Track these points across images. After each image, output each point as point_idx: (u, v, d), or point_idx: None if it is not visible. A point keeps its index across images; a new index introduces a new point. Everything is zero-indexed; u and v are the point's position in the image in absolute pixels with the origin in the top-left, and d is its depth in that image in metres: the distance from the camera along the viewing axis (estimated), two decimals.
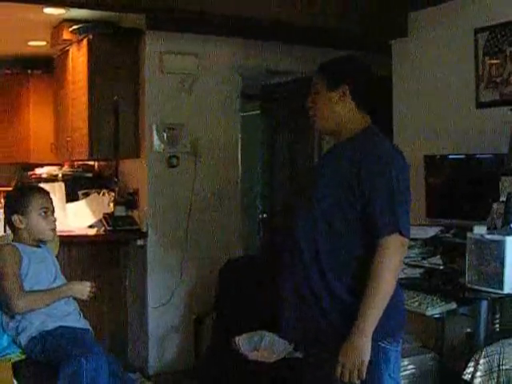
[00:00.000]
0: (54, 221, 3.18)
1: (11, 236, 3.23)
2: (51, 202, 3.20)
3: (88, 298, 3.13)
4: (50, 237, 3.18)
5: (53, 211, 3.19)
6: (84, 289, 3.11)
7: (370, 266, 2.21)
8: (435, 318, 3.37)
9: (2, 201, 5.66)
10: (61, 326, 3.02)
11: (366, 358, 2.19)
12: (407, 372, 3.51)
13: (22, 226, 3.10)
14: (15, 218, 3.09)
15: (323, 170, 2.41)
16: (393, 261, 2.22)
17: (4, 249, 3.06)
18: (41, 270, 3.10)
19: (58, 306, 3.07)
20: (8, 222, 3.16)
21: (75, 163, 5.80)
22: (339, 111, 2.40)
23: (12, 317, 3.02)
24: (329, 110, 2.41)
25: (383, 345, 2.27)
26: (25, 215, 3.08)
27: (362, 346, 2.19)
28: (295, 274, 2.36)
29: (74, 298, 3.17)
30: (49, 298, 3.02)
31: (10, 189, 5.67)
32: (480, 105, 3.98)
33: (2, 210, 5.02)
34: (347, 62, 2.52)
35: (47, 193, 3.24)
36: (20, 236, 3.14)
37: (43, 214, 3.11)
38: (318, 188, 2.36)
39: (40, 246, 3.19)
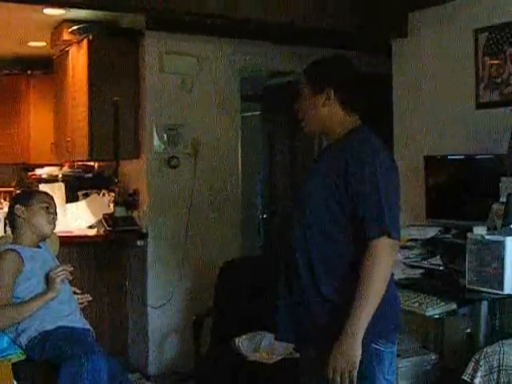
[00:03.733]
0: (55, 219, 3.24)
1: (10, 237, 3.24)
2: (54, 205, 3.28)
3: (64, 281, 3.11)
4: (48, 231, 3.22)
5: (55, 212, 3.25)
6: (58, 286, 3.06)
7: (359, 269, 2.21)
8: (435, 319, 3.36)
9: (2, 201, 5.69)
10: (60, 326, 3.02)
11: (357, 361, 2.18)
12: (407, 372, 3.50)
13: (23, 216, 3.15)
14: (18, 207, 3.16)
15: (314, 175, 2.41)
16: (382, 263, 2.21)
17: (6, 257, 3.07)
18: (43, 271, 3.10)
19: (59, 305, 3.07)
20: (10, 215, 3.20)
21: (75, 164, 5.80)
22: (325, 114, 2.39)
23: None
24: (315, 114, 2.40)
25: (377, 346, 2.27)
26: (27, 206, 3.15)
27: (352, 348, 2.17)
28: (289, 277, 2.37)
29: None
30: (27, 311, 3.00)
31: (10, 189, 5.69)
32: (480, 105, 3.98)
33: (1, 211, 5.06)
34: (330, 63, 2.47)
35: (51, 196, 3.33)
36: (20, 233, 3.16)
37: (45, 208, 3.18)
38: (309, 193, 2.36)
39: (40, 247, 3.20)
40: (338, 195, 2.26)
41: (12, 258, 3.06)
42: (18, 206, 3.17)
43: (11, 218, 3.21)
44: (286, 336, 2.47)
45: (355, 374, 2.19)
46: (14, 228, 3.22)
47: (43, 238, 3.25)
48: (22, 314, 3.00)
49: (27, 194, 3.30)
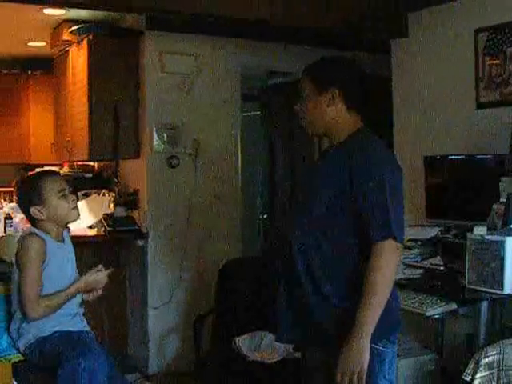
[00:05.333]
0: (75, 199, 3.00)
1: (12, 236, 3.17)
2: (65, 182, 3.02)
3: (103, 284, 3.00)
4: (75, 216, 2.99)
5: (70, 190, 3.00)
6: (101, 279, 2.98)
7: (364, 272, 2.21)
8: (435, 319, 3.36)
9: (2, 201, 5.69)
10: (57, 331, 2.97)
11: (365, 363, 2.19)
12: (407, 373, 3.50)
13: (43, 217, 2.90)
14: (33, 210, 2.90)
15: (316, 177, 2.40)
16: (387, 266, 2.21)
17: (31, 240, 2.87)
18: (64, 265, 2.99)
19: (60, 309, 3.03)
20: (27, 216, 2.97)
21: (75, 163, 5.81)
22: (329, 115, 2.37)
23: (12, 317, 2.99)
24: (318, 114, 2.37)
25: (377, 347, 2.27)
26: (43, 204, 2.90)
27: (360, 351, 2.18)
28: (289, 279, 2.37)
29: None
30: (63, 300, 2.90)
31: (10, 189, 5.67)
32: (480, 105, 3.98)
33: (1, 211, 5.06)
34: (335, 63, 2.44)
35: (57, 173, 3.08)
36: (43, 228, 2.94)
37: (62, 196, 2.92)
38: (311, 195, 2.35)
39: (63, 241, 3.06)
40: (342, 197, 2.25)
41: (36, 242, 2.86)
42: (32, 209, 2.90)
43: (30, 220, 2.97)
44: (287, 338, 2.46)
45: (364, 377, 2.19)
46: (35, 224, 2.98)
47: (69, 223, 3.08)
48: (59, 304, 2.88)
49: (36, 188, 2.91)
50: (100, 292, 3.09)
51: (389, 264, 2.22)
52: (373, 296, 2.19)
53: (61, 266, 2.97)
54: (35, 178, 3.08)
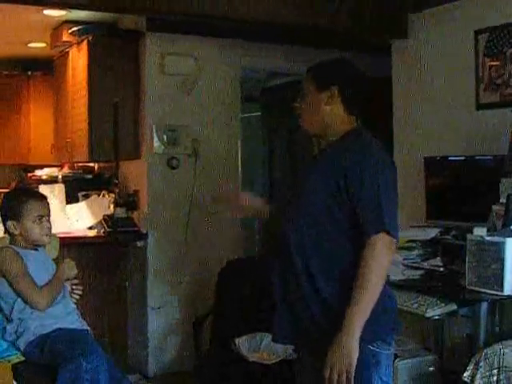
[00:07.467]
0: (49, 227, 3.15)
1: (8, 239, 3.22)
2: (47, 208, 3.16)
3: (75, 273, 3.18)
4: (44, 242, 3.16)
5: (48, 217, 3.15)
6: (70, 267, 3.15)
7: (357, 266, 2.20)
8: (435, 320, 3.36)
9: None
10: (58, 328, 3.00)
11: (354, 359, 2.16)
12: (407, 374, 3.50)
13: (16, 232, 3.08)
14: (9, 224, 3.09)
15: (313, 175, 2.40)
16: (380, 260, 2.20)
17: (5, 252, 3.05)
18: (40, 271, 3.08)
19: (57, 307, 3.06)
20: (4, 225, 3.16)
21: (75, 165, 5.80)
22: (328, 113, 2.39)
23: (9, 321, 3.01)
24: (317, 112, 2.41)
25: (373, 348, 2.26)
26: (19, 222, 3.07)
27: (350, 347, 2.16)
28: (286, 278, 2.36)
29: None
30: (59, 285, 3.07)
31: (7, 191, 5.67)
32: (480, 106, 3.98)
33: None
34: (336, 63, 2.51)
35: (44, 198, 3.20)
36: (16, 240, 3.13)
37: (37, 220, 3.08)
38: (307, 193, 2.36)
39: (37, 249, 3.17)
40: (338, 195, 2.26)
41: (11, 252, 3.04)
42: (9, 222, 3.08)
43: (6, 231, 3.16)
44: (283, 338, 2.46)
45: (352, 373, 2.18)
46: (9, 236, 3.18)
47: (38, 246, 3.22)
48: (58, 289, 3.05)
49: (16, 207, 3.09)
50: (79, 289, 3.23)
51: (381, 258, 2.20)
52: (363, 290, 2.17)
53: (38, 263, 3.10)
54: (22, 194, 3.28)
